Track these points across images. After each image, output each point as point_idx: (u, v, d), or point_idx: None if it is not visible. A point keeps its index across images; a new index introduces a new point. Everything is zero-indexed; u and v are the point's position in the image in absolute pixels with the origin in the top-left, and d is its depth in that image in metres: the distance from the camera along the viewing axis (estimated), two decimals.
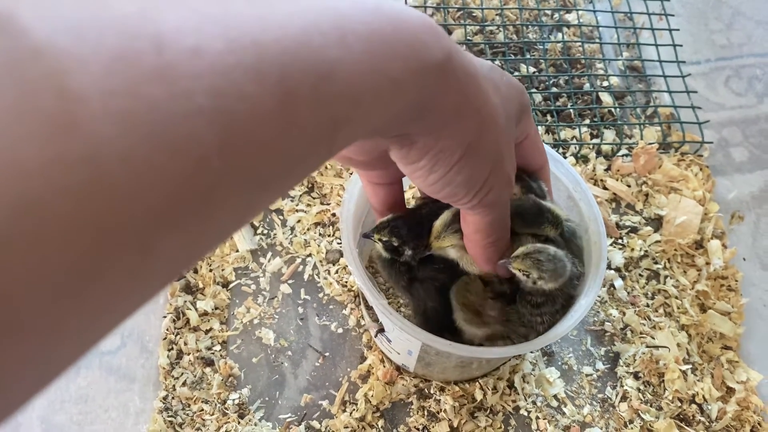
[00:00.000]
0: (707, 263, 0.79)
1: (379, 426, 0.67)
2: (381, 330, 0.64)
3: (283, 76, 0.23)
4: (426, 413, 0.68)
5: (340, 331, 0.73)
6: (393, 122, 0.33)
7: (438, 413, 0.68)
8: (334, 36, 0.26)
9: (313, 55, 0.25)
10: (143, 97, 0.19)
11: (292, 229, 0.78)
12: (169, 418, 0.67)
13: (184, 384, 0.69)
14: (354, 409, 0.68)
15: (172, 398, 0.68)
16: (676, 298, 0.77)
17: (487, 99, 0.37)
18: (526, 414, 0.69)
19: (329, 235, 0.78)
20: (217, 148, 0.21)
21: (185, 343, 0.71)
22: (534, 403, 0.70)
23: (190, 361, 0.70)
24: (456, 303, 0.56)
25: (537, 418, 0.69)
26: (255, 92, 0.22)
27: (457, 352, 0.53)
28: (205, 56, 0.21)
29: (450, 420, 0.67)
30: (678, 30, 0.97)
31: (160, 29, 0.20)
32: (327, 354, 0.71)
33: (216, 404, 0.68)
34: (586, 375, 0.72)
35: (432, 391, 0.69)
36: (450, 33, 0.96)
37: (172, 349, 0.71)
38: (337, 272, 0.76)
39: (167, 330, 0.71)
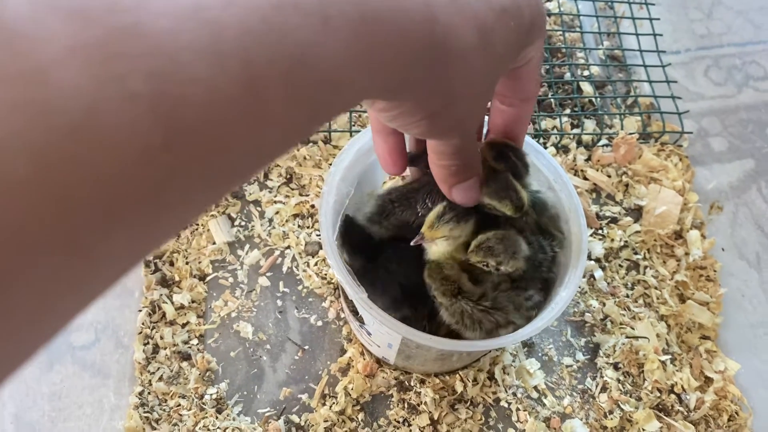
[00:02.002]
0: (686, 253, 0.79)
1: (359, 419, 0.67)
2: (361, 321, 0.64)
3: (248, 60, 0.21)
4: (406, 406, 0.68)
5: (319, 324, 0.72)
6: (371, 95, 0.32)
7: (418, 405, 0.68)
8: (316, 17, 0.24)
9: (286, 37, 0.22)
10: (53, 84, 0.16)
11: (271, 220, 0.77)
12: (145, 414, 0.66)
13: (160, 379, 0.68)
14: (334, 403, 0.67)
15: (148, 393, 0.67)
16: (656, 288, 0.77)
17: (464, 80, 0.35)
18: (506, 406, 0.69)
19: (308, 227, 0.77)
20: (162, 138, 0.19)
21: (161, 338, 0.70)
22: (514, 394, 0.69)
23: (166, 355, 0.69)
24: (430, 277, 0.55)
25: (517, 409, 0.69)
26: (210, 77, 0.20)
27: (437, 346, 0.53)
28: (145, 35, 0.18)
29: (430, 412, 0.67)
30: (658, 19, 0.97)
31: (88, 3, 0.18)
32: (306, 347, 0.71)
33: (193, 399, 0.67)
34: (567, 366, 0.72)
35: (412, 384, 0.69)
36: None
37: (148, 343, 0.69)
38: (316, 264, 0.75)
39: (143, 324, 0.70)
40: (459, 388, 0.68)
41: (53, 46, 0.17)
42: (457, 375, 0.69)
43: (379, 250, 0.59)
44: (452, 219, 0.52)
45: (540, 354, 0.72)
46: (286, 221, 0.77)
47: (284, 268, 0.75)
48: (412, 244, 0.55)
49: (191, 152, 0.20)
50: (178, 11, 0.19)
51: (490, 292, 0.53)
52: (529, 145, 0.61)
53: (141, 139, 0.18)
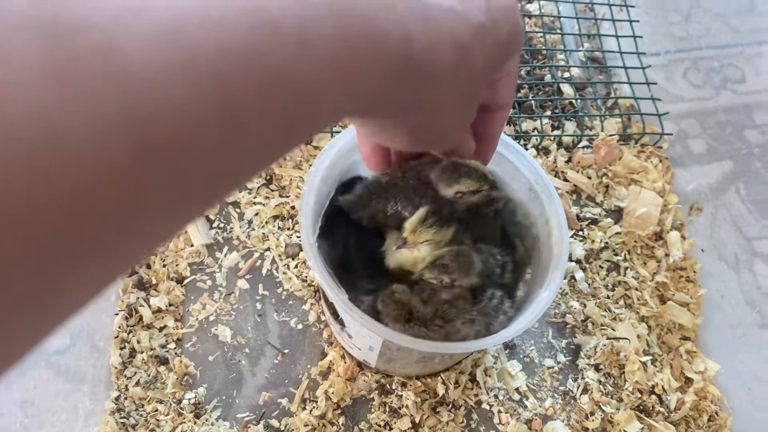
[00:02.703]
0: (666, 255, 0.80)
1: (340, 423, 0.66)
2: (342, 324, 0.63)
3: (222, 81, 0.21)
4: (388, 409, 0.67)
5: (299, 327, 0.71)
6: (346, 114, 0.31)
7: (400, 409, 0.67)
8: (294, 38, 0.23)
9: (262, 58, 0.22)
10: (18, 103, 0.16)
11: (250, 222, 0.76)
12: (122, 420, 0.64)
13: (137, 384, 0.66)
14: (314, 407, 0.66)
15: (125, 399, 0.66)
16: (636, 289, 0.77)
17: (443, 94, 0.35)
18: (488, 408, 0.68)
19: (288, 229, 0.76)
20: (134, 158, 0.18)
21: (138, 342, 0.68)
22: (496, 396, 0.69)
23: (143, 359, 0.68)
24: (383, 303, 0.55)
25: (499, 411, 0.68)
26: (183, 97, 0.19)
27: (419, 348, 0.52)
28: (117, 54, 0.18)
29: (412, 416, 0.66)
30: (638, 21, 0.98)
31: (58, 21, 0.17)
32: (286, 351, 0.70)
33: (171, 404, 0.66)
34: (548, 368, 0.72)
35: (394, 387, 0.68)
36: None
37: (125, 347, 0.68)
38: (296, 267, 0.74)
39: (119, 328, 0.69)
40: (441, 390, 0.68)
41: (19, 65, 0.16)
42: (439, 378, 0.69)
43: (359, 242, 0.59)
44: (435, 223, 0.52)
45: (521, 356, 0.72)
46: (266, 223, 0.76)
47: (264, 271, 0.74)
48: (396, 248, 0.54)
49: (164, 172, 0.19)
50: (153, 31, 0.19)
51: (441, 307, 0.53)
52: (510, 147, 0.61)
53: (112, 158, 0.18)
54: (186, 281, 0.72)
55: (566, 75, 0.92)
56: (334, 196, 0.59)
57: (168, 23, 0.19)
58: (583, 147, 0.86)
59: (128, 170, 0.18)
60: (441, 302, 0.54)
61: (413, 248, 0.53)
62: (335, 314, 0.61)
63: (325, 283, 0.53)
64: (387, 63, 0.29)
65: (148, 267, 0.73)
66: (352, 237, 0.59)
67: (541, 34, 0.95)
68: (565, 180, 0.83)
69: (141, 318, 0.70)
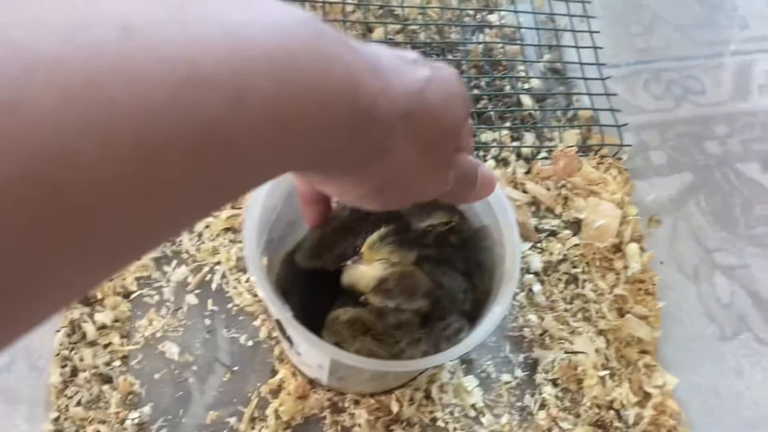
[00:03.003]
0: (625, 267, 0.79)
1: None
2: (291, 341, 0.61)
3: (143, 138, 0.19)
4: (340, 428, 0.65)
5: (250, 343, 0.69)
6: (288, 170, 0.30)
7: (352, 428, 0.65)
8: (228, 93, 0.22)
9: (189, 114, 0.21)
10: None
11: (200, 235, 0.74)
12: None
13: (78, 403, 0.64)
14: (264, 426, 0.64)
15: (65, 419, 0.63)
16: (595, 302, 0.76)
17: (401, 142, 0.34)
18: (443, 425, 0.67)
19: (240, 242, 0.74)
20: (39, 217, 0.17)
21: (81, 359, 0.66)
22: (452, 413, 0.68)
23: (86, 378, 0.65)
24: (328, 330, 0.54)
25: (455, 429, 0.67)
26: (97, 157, 0.18)
27: (365, 366, 0.51)
28: (26, 113, 0.17)
29: None
30: (598, 32, 0.97)
31: None
32: (236, 368, 0.68)
33: (114, 424, 0.63)
34: (505, 383, 0.70)
35: (346, 405, 0.66)
36: (371, 31, 0.93)
37: (66, 365, 0.66)
38: (247, 281, 0.72)
39: (61, 345, 0.66)
40: (395, 408, 0.66)
41: None
42: (393, 395, 0.67)
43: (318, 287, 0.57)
44: (394, 242, 0.51)
45: (478, 371, 0.71)
46: (217, 236, 0.74)
47: (213, 285, 0.72)
48: (350, 263, 0.53)
49: (70, 234, 0.19)
50: (69, 88, 0.18)
51: (389, 330, 0.52)
52: None
53: (15, 218, 0.17)
54: (132, 296, 0.70)
55: (526, 86, 0.92)
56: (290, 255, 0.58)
57: (86, 78, 0.18)
58: (542, 158, 0.85)
59: (34, 229, 0.17)
60: (389, 325, 0.52)
61: (368, 265, 0.52)
62: (284, 331, 0.59)
63: (269, 300, 0.51)
64: (332, 116, 0.28)
65: None
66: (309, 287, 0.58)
67: (501, 45, 0.94)
68: (524, 191, 0.82)
69: (85, 335, 0.67)
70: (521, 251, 0.78)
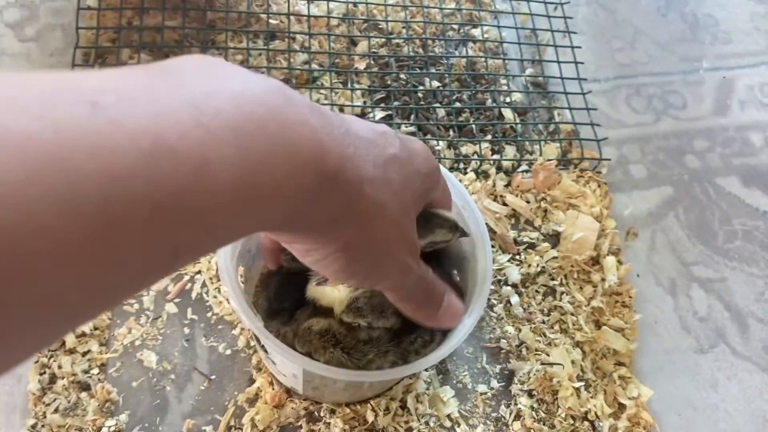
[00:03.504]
0: (603, 279, 0.80)
1: None
2: (266, 350, 0.62)
3: (105, 208, 0.21)
4: None
5: (228, 352, 0.70)
6: (255, 231, 0.31)
7: None
8: (193, 162, 0.23)
9: (152, 184, 0.22)
10: None
11: None
12: None
13: (56, 410, 0.64)
14: None
15: (42, 426, 0.63)
16: (572, 314, 0.77)
17: (369, 205, 0.35)
18: None
19: None
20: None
21: (59, 367, 0.66)
22: (427, 423, 0.68)
23: (64, 385, 0.66)
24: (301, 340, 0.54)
25: None
26: (58, 227, 0.19)
27: (335, 377, 0.51)
28: None
29: None
30: (580, 48, 0.99)
31: None
32: (213, 377, 0.68)
33: None
34: (481, 393, 0.71)
35: (322, 414, 0.67)
36: (355, 45, 0.94)
37: (45, 373, 0.66)
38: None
39: (39, 353, 0.67)
40: (370, 417, 0.67)
41: None
42: (369, 405, 0.67)
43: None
44: None
45: (454, 381, 0.71)
46: None
47: (193, 294, 0.72)
48: (316, 285, 0.54)
49: (27, 296, 0.20)
50: (35, 161, 0.19)
51: (358, 345, 0.53)
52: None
53: None
54: None
55: (508, 100, 0.93)
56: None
57: (53, 152, 0.20)
58: (522, 171, 0.86)
59: None
60: (359, 340, 0.53)
61: (333, 287, 0.53)
62: (258, 340, 0.59)
63: (240, 310, 0.52)
64: (298, 180, 0.29)
65: None
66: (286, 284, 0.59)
67: (484, 59, 0.95)
68: (504, 204, 0.83)
69: (64, 342, 0.68)
70: (499, 263, 0.79)
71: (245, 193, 0.26)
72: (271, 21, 0.93)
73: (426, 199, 0.44)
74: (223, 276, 0.53)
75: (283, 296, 0.58)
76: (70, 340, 0.67)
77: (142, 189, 0.22)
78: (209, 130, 0.24)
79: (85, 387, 0.66)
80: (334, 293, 0.53)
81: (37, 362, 0.66)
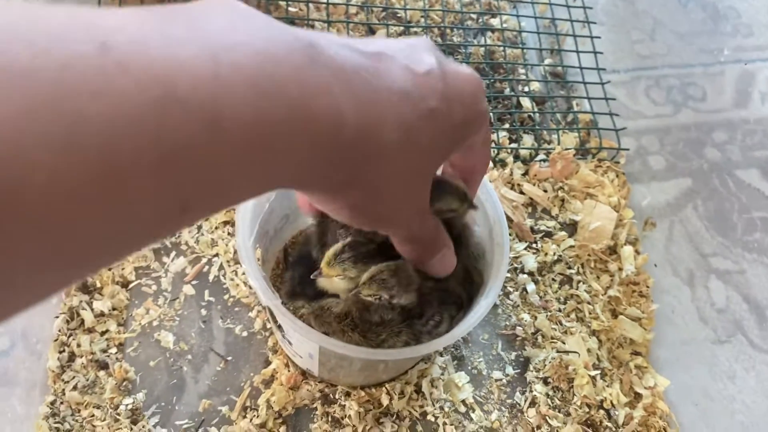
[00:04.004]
0: (620, 269, 0.79)
1: None
2: (282, 330, 0.62)
3: (109, 152, 0.20)
4: (330, 419, 0.66)
5: (245, 334, 0.70)
6: (266, 190, 0.30)
7: (342, 419, 0.66)
8: (205, 115, 0.23)
9: (161, 132, 0.21)
10: None
11: (199, 227, 0.75)
12: (56, 425, 0.63)
13: (74, 388, 0.65)
14: (255, 416, 0.65)
15: (61, 403, 0.64)
16: (588, 303, 0.77)
17: (381, 172, 0.34)
18: (433, 420, 0.68)
19: None
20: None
21: (78, 345, 0.67)
22: (442, 408, 0.68)
23: (82, 364, 0.66)
24: (318, 320, 0.55)
25: (444, 423, 0.67)
26: (56, 165, 0.19)
27: (352, 354, 0.51)
28: None
29: (354, 426, 0.65)
30: (599, 38, 0.98)
31: None
32: (230, 358, 0.69)
33: (108, 409, 0.64)
34: (496, 380, 0.71)
35: (337, 396, 0.67)
36: (374, 33, 0.95)
37: (64, 351, 0.67)
38: (244, 273, 0.73)
39: (59, 331, 0.68)
40: (385, 401, 0.67)
41: None
42: (384, 388, 0.68)
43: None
44: (349, 259, 0.51)
45: (469, 367, 0.71)
46: (215, 228, 0.75)
47: (211, 277, 0.73)
48: (312, 277, 0.54)
49: (26, 237, 0.19)
50: (33, 101, 0.19)
51: (375, 328, 0.53)
52: None
53: None
54: (131, 285, 0.71)
55: (526, 89, 0.93)
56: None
57: (53, 94, 0.19)
58: (540, 160, 0.86)
59: None
60: (372, 322, 0.53)
61: (329, 280, 0.53)
62: (275, 320, 0.60)
63: (259, 287, 0.52)
64: (313, 144, 0.29)
65: None
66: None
67: (503, 48, 0.95)
68: (521, 192, 0.83)
69: (83, 321, 0.68)
70: (516, 251, 0.79)
71: (257, 153, 0.26)
72: (290, 8, 0.93)
73: (459, 147, 0.41)
74: (241, 253, 0.53)
75: (306, 282, 0.58)
76: (89, 319, 0.68)
77: (148, 137, 0.21)
78: (225, 86, 0.23)
79: (104, 366, 0.67)
80: (335, 283, 0.53)
81: (56, 340, 0.67)
